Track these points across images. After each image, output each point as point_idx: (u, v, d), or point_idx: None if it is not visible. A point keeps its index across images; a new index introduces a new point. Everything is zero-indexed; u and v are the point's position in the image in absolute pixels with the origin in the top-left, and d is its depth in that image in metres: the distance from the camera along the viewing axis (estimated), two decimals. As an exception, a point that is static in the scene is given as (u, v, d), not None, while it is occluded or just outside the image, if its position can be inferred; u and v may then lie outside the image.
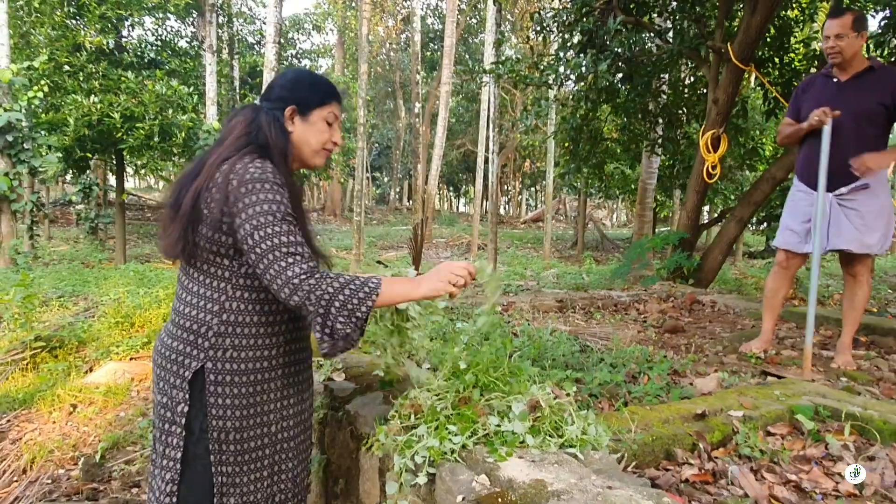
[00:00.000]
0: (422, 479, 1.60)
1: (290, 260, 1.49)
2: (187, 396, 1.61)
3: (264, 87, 6.35)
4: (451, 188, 40.71)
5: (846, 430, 2.10)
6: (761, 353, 3.39)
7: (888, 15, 7.12)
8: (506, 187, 36.28)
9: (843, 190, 3.19)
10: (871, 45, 7.37)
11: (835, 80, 3.27)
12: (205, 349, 1.61)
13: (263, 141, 1.63)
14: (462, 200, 45.06)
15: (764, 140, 11.95)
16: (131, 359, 5.03)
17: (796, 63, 7.64)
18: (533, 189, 38.39)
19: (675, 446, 1.94)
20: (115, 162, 11.85)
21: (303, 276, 1.48)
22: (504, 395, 1.81)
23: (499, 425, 1.70)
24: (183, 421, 1.61)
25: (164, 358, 1.67)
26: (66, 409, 4.32)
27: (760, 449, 1.97)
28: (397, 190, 37.12)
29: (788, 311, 4.44)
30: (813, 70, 7.44)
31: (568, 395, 1.83)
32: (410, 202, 33.54)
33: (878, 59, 7.19)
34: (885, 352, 3.57)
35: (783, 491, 1.79)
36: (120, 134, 9.67)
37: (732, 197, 13.26)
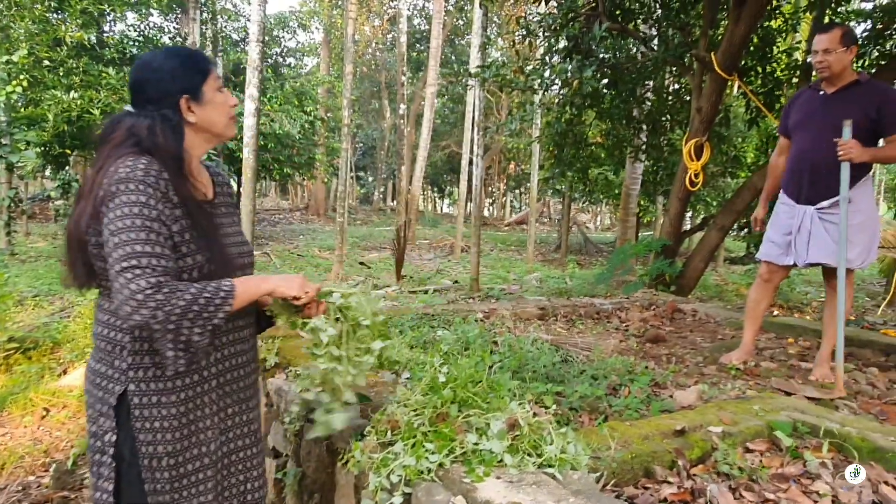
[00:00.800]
0: (397, 500, 1.57)
1: (137, 272, 1.34)
2: (114, 424, 1.48)
3: (246, 84, 5.98)
4: (435, 189, 40.67)
5: (824, 447, 2.11)
6: (741, 364, 3.39)
7: (869, 27, 7.23)
8: (490, 189, 36.32)
9: (825, 204, 3.21)
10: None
11: (821, 92, 3.29)
12: (124, 371, 1.49)
13: (149, 147, 1.48)
14: (446, 201, 45.07)
15: (746, 148, 12.07)
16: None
17: (779, 73, 7.71)
18: (518, 191, 38.48)
19: (655, 463, 1.93)
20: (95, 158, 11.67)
21: (148, 291, 1.33)
22: (483, 412, 1.78)
23: (477, 443, 1.67)
24: (112, 450, 1.49)
25: (90, 383, 1.57)
26: (38, 413, 4.24)
27: (739, 466, 1.96)
28: (381, 190, 37.03)
29: (768, 322, 4.47)
30: (795, 80, 7.52)
31: (547, 412, 1.81)
32: (395, 202, 33.47)
33: (861, 69, 7.31)
34: (863, 364, 3.59)
35: (761, 510, 1.78)
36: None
37: (714, 204, 13.37)
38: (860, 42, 7.23)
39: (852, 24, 8.31)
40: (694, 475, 1.93)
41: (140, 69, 1.57)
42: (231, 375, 1.65)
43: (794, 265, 3.42)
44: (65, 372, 4.90)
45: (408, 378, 2.75)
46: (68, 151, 10.66)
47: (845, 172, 3.04)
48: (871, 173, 3.28)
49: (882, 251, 8.43)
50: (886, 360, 3.67)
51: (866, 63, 7.22)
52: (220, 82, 1.63)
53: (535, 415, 1.78)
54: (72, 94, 9.37)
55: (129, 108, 1.59)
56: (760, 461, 2.05)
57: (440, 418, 1.77)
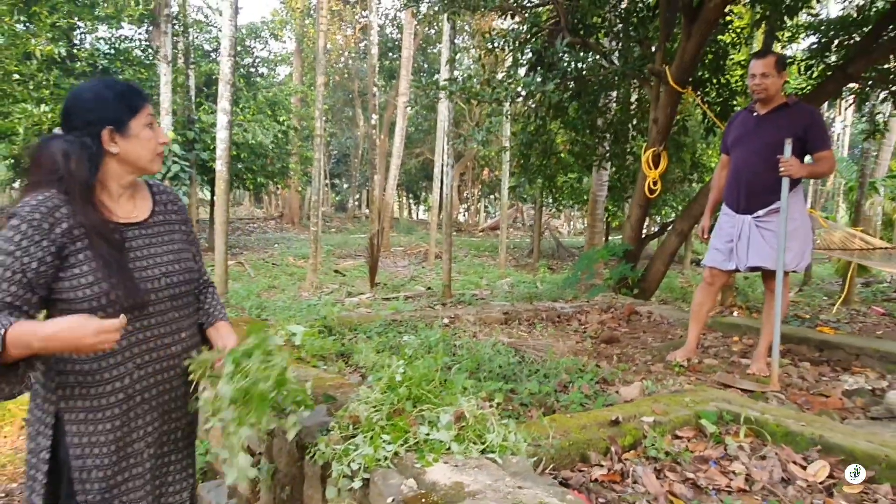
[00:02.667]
0: (357, 484, 1.77)
1: None
2: (49, 442, 1.58)
3: (218, 98, 6.20)
4: (410, 196, 40.88)
5: (741, 432, 2.36)
6: (685, 361, 3.66)
7: (816, 41, 7.62)
8: (465, 195, 36.62)
9: (761, 213, 3.52)
10: (802, 68, 7.87)
11: (755, 114, 3.61)
12: (53, 390, 1.58)
13: (62, 174, 1.55)
14: (422, 207, 45.31)
15: (711, 154, 12.50)
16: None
17: (733, 83, 8.08)
18: (492, 197, 38.83)
19: (590, 450, 2.16)
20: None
21: None
22: (434, 407, 2.00)
23: (428, 434, 1.88)
24: (46, 467, 1.58)
25: (32, 403, 1.65)
26: (17, 424, 4.35)
27: (666, 451, 2.21)
28: (356, 198, 37.11)
29: (717, 321, 4.76)
30: (748, 90, 7.89)
31: (492, 406, 2.03)
32: (368, 209, 33.58)
33: (808, 81, 7.70)
34: (798, 359, 3.88)
35: (682, 488, 2.02)
36: (71, 143, 9.55)
37: (680, 208, 13.79)
38: (808, 55, 7.65)
39: (801, 37, 8.75)
40: (625, 459, 2.17)
41: (72, 97, 1.62)
42: (157, 391, 1.71)
43: (737, 270, 3.71)
44: None
45: (372, 380, 2.96)
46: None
47: (785, 186, 3.34)
48: (800, 186, 3.58)
49: (836, 253, 8.82)
50: (819, 354, 3.97)
51: (814, 74, 7.63)
52: (151, 119, 1.68)
53: (480, 408, 2.00)
54: (42, 107, 9.39)
55: (57, 130, 1.66)
56: (686, 446, 2.30)
57: (396, 413, 1.98)
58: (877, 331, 6.30)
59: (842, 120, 24.82)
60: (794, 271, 3.66)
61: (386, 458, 1.81)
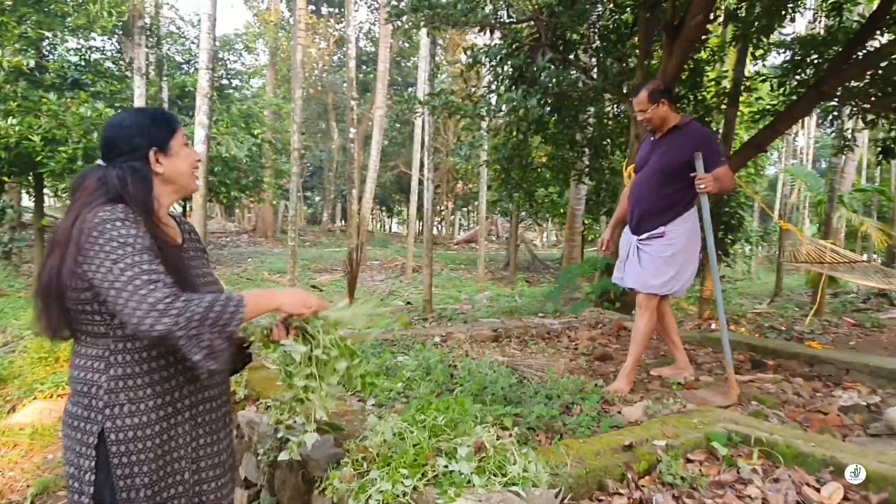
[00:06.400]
0: (376, 522, 1.70)
1: (151, 287, 1.44)
2: (93, 464, 1.55)
3: (196, 111, 6.18)
4: (384, 209, 40.75)
5: (754, 454, 2.34)
6: (682, 379, 3.65)
7: (788, 59, 7.78)
8: (439, 208, 36.63)
9: (644, 236, 3.58)
10: (775, 85, 8.03)
11: (652, 138, 3.68)
12: (100, 409, 1.55)
13: (121, 195, 1.58)
14: (395, 220, 45.20)
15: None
16: (59, 396, 4.87)
17: (709, 99, 8.22)
18: (465, 209, 38.92)
19: (607, 477, 2.12)
20: (33, 185, 11.34)
21: (168, 300, 1.43)
22: (450, 437, 1.94)
23: (447, 466, 1.82)
24: (91, 490, 1.55)
25: (67, 426, 1.62)
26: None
27: (681, 476, 2.17)
28: (330, 211, 36.85)
29: (706, 337, 4.77)
30: (723, 106, 8.05)
31: (510, 435, 1.98)
32: (343, 223, 33.42)
33: (781, 98, 7.83)
34: (790, 374, 3.91)
35: (701, 515, 1.99)
36: (40, 157, 9.29)
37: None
38: (780, 72, 7.80)
39: (774, 53, 8.95)
40: (642, 486, 2.13)
41: (111, 128, 1.68)
42: (203, 408, 1.74)
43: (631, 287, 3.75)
44: (13, 409, 4.79)
45: (373, 404, 2.89)
46: (5, 179, 10.32)
47: (705, 203, 3.37)
48: (691, 212, 3.55)
49: (806, 265, 8.97)
50: (810, 369, 4.00)
51: (787, 91, 7.78)
52: (185, 139, 1.77)
53: (498, 437, 1.95)
54: (9, 119, 9.12)
55: (100, 162, 1.69)
56: (700, 470, 2.27)
57: (413, 446, 1.91)
58: (849, 341, 6.41)
59: (805, 134, 25.44)
60: (664, 294, 3.60)
61: (405, 494, 1.74)
